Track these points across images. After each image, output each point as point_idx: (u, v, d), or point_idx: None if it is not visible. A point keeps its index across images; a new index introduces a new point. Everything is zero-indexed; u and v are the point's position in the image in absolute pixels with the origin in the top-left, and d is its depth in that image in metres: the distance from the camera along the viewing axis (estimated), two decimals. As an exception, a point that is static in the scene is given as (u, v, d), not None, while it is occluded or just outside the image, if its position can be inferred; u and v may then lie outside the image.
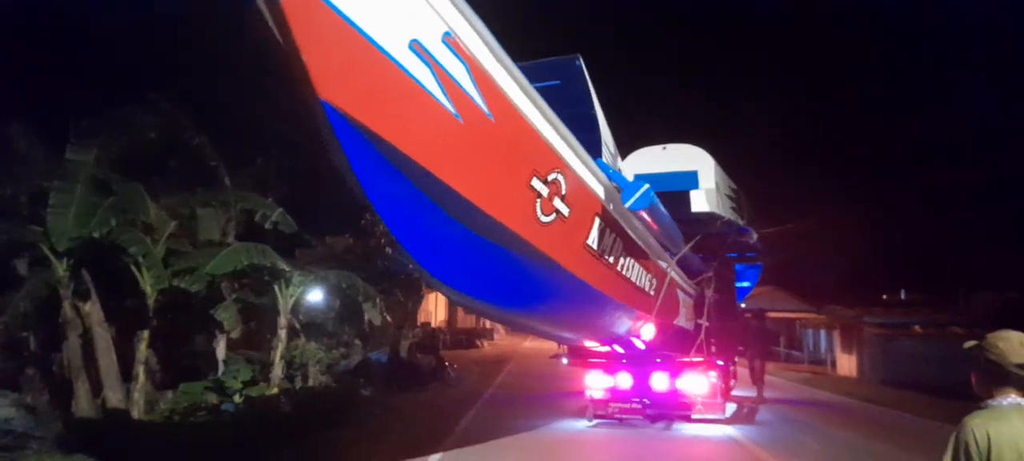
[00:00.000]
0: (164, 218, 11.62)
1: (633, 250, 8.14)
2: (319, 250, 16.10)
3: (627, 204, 7.28)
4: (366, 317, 15.32)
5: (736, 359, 15.28)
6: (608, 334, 9.77)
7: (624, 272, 8.04)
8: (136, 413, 10.66)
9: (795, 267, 28.19)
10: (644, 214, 7.98)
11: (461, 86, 4.60)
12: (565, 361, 13.01)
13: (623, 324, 9.25)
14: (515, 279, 6.13)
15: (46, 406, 10.12)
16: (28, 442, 8.13)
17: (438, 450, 9.25)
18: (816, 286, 32.72)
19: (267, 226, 12.72)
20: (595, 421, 11.73)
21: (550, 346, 15.39)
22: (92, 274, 10.74)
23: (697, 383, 11.51)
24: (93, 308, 10.75)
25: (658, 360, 11.43)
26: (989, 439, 2.40)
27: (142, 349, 10.94)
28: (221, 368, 13.00)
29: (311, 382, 14.58)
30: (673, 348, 11.40)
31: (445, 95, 4.48)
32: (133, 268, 10.86)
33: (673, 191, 10.26)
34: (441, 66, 4.41)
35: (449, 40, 4.46)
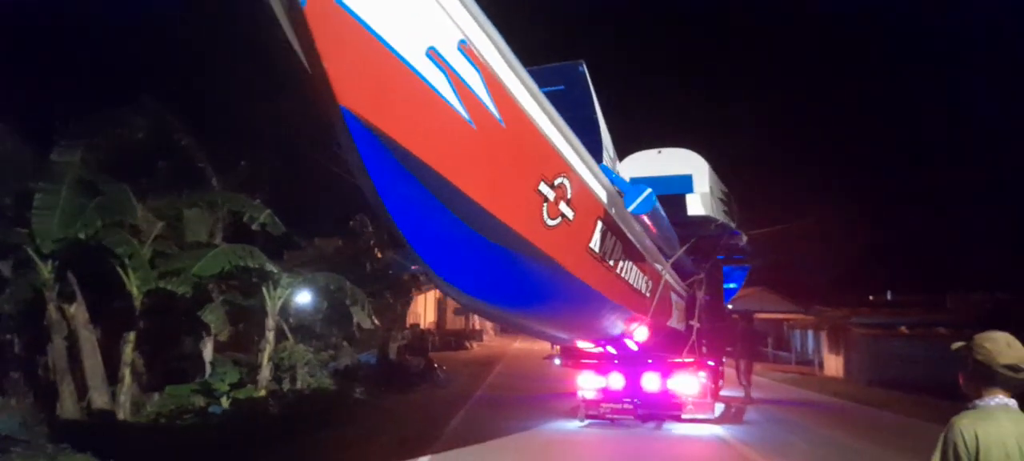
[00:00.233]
0: (151, 219, 11.55)
1: (632, 253, 8.25)
2: (308, 252, 16.07)
3: (630, 208, 7.35)
4: (355, 320, 15.28)
5: (724, 360, 15.40)
6: (604, 335, 9.87)
7: (623, 274, 8.14)
8: (122, 415, 10.58)
9: (784, 268, 28.43)
10: (645, 218, 8.07)
11: (475, 93, 4.66)
12: (558, 362, 13.12)
13: (619, 325, 9.37)
14: (520, 281, 6.22)
15: (31, 409, 10.00)
16: (12, 445, 8.04)
17: (427, 452, 9.23)
18: (804, 287, 33.02)
19: (255, 228, 12.66)
20: (587, 421, 11.86)
21: (539, 347, 15.45)
22: (78, 276, 10.65)
23: (688, 383, 11.65)
24: (78, 310, 10.66)
25: (650, 361, 11.56)
26: (977, 439, 2.43)
27: (128, 351, 10.86)
28: (208, 370, 12.91)
29: (299, 384, 14.51)
30: (665, 349, 11.52)
31: (460, 102, 4.54)
32: (119, 270, 10.78)
33: (669, 194, 10.34)
34: (456, 73, 4.47)
35: (464, 48, 4.52)
